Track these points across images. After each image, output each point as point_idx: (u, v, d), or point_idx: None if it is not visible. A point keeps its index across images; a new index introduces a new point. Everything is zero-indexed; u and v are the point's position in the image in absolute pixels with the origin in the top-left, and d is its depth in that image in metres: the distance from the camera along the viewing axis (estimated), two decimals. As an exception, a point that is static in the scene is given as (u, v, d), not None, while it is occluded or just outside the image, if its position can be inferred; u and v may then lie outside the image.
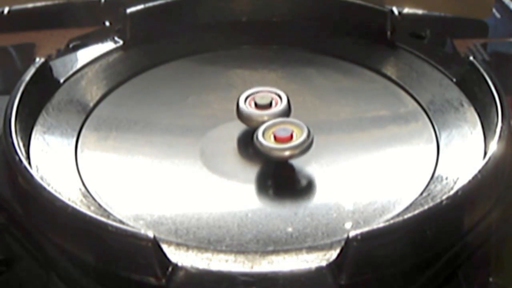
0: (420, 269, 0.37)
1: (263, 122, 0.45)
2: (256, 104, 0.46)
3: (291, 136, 0.44)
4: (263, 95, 0.47)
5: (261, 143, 0.44)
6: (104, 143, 0.47)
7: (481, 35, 0.65)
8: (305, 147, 0.43)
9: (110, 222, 0.37)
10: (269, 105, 0.46)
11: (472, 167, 0.41)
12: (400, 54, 0.53)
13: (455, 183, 0.42)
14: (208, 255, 0.38)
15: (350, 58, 0.54)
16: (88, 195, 0.42)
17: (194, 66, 0.54)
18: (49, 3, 0.67)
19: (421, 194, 0.42)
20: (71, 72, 0.51)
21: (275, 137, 0.44)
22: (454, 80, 0.50)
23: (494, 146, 0.41)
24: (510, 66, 0.62)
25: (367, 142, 0.47)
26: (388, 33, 0.54)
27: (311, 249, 0.38)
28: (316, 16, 0.56)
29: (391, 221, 0.37)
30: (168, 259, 0.36)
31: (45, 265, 0.39)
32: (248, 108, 0.46)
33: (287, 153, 0.43)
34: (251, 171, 0.45)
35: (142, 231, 0.36)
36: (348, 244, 0.35)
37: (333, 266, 0.36)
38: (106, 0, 0.65)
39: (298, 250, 0.38)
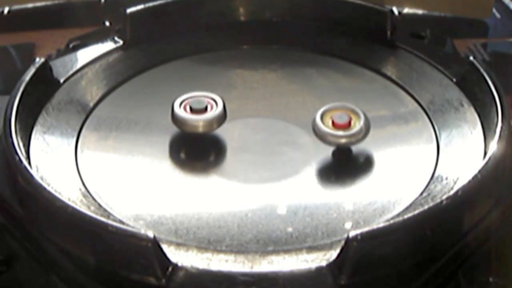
0: (420, 269, 0.37)
1: (198, 128, 0.45)
2: (191, 109, 0.46)
3: (349, 123, 0.44)
4: (198, 99, 0.46)
5: (319, 128, 0.44)
6: (104, 143, 0.47)
7: (481, 35, 0.65)
8: (362, 136, 0.44)
9: (110, 222, 0.37)
10: (205, 109, 0.46)
11: (472, 167, 0.41)
12: (400, 54, 0.53)
13: (455, 183, 0.42)
14: (208, 255, 0.38)
15: (350, 58, 0.54)
16: (88, 195, 0.42)
17: (194, 66, 0.54)
18: (49, 3, 0.67)
19: (421, 194, 0.42)
20: (71, 72, 0.51)
21: (333, 123, 0.44)
22: (454, 80, 0.50)
23: (494, 146, 0.41)
24: (510, 66, 0.62)
25: (367, 142, 0.47)
26: (388, 33, 0.54)
27: (311, 249, 0.38)
28: (316, 16, 0.56)
29: (391, 221, 0.37)
30: (168, 259, 0.36)
31: (45, 265, 0.39)
32: (183, 112, 0.46)
33: (343, 140, 0.44)
34: (251, 171, 0.45)
35: (142, 231, 0.36)
36: (348, 244, 0.35)
37: (333, 266, 0.36)
38: (106, 0, 0.65)
39: (298, 250, 0.38)
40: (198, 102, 0.46)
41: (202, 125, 0.46)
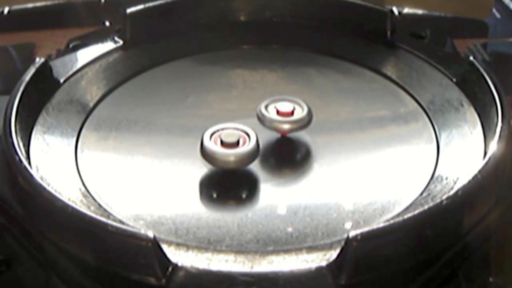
0: (420, 269, 0.37)
1: (228, 163, 0.43)
2: (222, 142, 0.43)
3: (292, 112, 0.45)
4: (230, 132, 0.44)
5: (263, 115, 0.45)
6: (104, 143, 0.47)
7: (481, 35, 0.65)
8: (305, 123, 0.45)
9: (110, 222, 0.37)
10: (236, 143, 0.43)
11: (472, 167, 0.41)
12: (400, 54, 0.53)
13: (455, 183, 0.42)
14: (208, 255, 0.38)
15: (350, 58, 0.54)
16: (88, 195, 0.42)
17: (194, 66, 0.54)
18: (49, 3, 0.67)
19: (421, 194, 0.42)
20: (71, 72, 0.51)
21: (277, 111, 0.45)
22: (454, 80, 0.50)
23: (494, 146, 0.41)
24: (510, 66, 0.62)
25: (367, 142, 0.47)
26: (388, 33, 0.54)
27: (311, 249, 0.38)
28: (316, 16, 0.56)
29: (391, 221, 0.37)
30: (168, 259, 0.36)
31: (45, 265, 0.39)
32: (213, 146, 0.43)
33: (287, 126, 0.45)
34: (251, 171, 0.45)
35: (142, 231, 0.36)
36: (348, 244, 0.35)
37: (333, 266, 0.36)
38: (106, 0, 0.65)
39: (298, 250, 0.38)
40: (229, 135, 0.43)
41: (234, 161, 0.43)
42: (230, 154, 0.43)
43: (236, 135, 0.44)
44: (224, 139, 0.43)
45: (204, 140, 0.43)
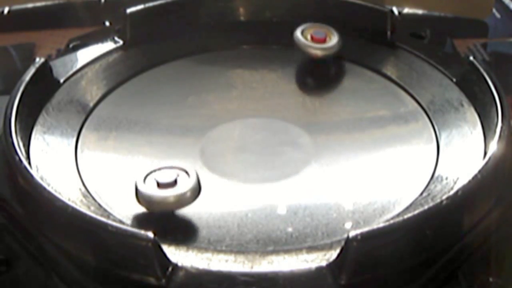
0: (420, 269, 0.37)
1: (167, 206, 0.39)
2: (158, 184, 0.40)
3: (325, 39, 0.52)
4: (165, 171, 0.40)
5: (299, 40, 0.52)
6: (104, 143, 0.47)
7: (481, 35, 0.65)
8: (336, 49, 0.52)
9: (110, 222, 0.37)
10: (174, 183, 0.40)
11: (472, 167, 0.41)
12: (400, 54, 0.53)
13: (455, 183, 0.42)
14: (208, 255, 0.38)
15: (350, 58, 0.54)
16: (88, 195, 0.42)
17: (194, 66, 0.54)
18: (49, 3, 0.67)
19: (421, 194, 0.42)
20: (71, 72, 0.51)
21: (312, 37, 0.52)
22: (454, 80, 0.50)
23: (494, 146, 0.41)
24: (510, 66, 0.62)
25: (367, 142, 0.47)
26: (388, 33, 0.54)
27: (311, 249, 0.38)
28: (316, 16, 0.56)
29: (391, 221, 0.37)
30: (168, 259, 0.36)
31: (45, 265, 0.39)
32: (148, 189, 0.40)
33: (319, 52, 0.52)
34: (251, 171, 0.45)
35: (142, 231, 0.36)
36: (348, 244, 0.35)
37: (333, 266, 0.36)
38: (106, 0, 0.65)
39: (298, 250, 0.38)
40: (165, 175, 0.40)
41: (172, 203, 0.40)
42: (169, 196, 0.39)
43: (173, 174, 0.40)
44: (160, 180, 0.40)
45: (138, 184, 0.40)
